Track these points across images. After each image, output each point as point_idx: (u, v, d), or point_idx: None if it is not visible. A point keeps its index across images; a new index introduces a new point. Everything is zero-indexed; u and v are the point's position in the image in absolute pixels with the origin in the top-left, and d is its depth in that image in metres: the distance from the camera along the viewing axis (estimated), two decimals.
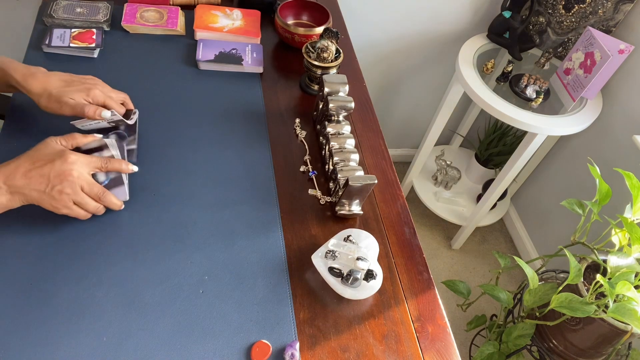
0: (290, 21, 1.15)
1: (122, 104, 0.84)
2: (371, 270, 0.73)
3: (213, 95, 0.98)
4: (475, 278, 1.95)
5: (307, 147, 0.94)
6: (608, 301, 0.99)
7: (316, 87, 1.04)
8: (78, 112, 0.76)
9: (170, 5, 1.13)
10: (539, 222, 1.95)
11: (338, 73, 0.99)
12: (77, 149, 0.74)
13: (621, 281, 0.96)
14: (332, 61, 0.98)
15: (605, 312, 1.03)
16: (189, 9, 1.15)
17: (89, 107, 0.76)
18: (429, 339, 0.72)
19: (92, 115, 0.76)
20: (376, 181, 0.78)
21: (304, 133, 0.96)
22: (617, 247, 1.12)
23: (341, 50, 1.00)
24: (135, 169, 0.76)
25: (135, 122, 0.84)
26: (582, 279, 1.10)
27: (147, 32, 1.07)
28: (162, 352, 0.64)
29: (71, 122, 0.79)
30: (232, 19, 1.12)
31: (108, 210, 0.75)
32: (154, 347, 0.64)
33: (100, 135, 0.77)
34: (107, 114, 0.77)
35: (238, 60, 1.04)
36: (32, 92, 0.76)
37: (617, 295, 1.04)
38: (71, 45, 0.98)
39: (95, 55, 0.99)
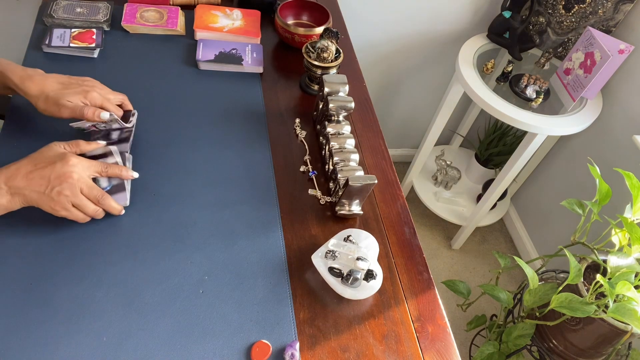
0: (290, 21, 1.15)
1: (120, 105, 0.84)
2: (371, 270, 0.73)
3: (213, 95, 0.98)
4: (475, 278, 1.95)
5: (307, 147, 0.94)
6: (608, 301, 0.99)
7: (316, 87, 1.04)
8: (77, 114, 0.76)
9: (170, 5, 1.13)
10: (539, 222, 1.95)
11: (338, 73, 0.99)
12: (82, 156, 0.74)
13: (621, 281, 0.96)
14: (332, 61, 0.98)
15: (605, 312, 1.03)
16: (189, 9, 1.15)
17: (88, 108, 0.76)
18: (429, 339, 0.72)
19: (92, 117, 0.76)
20: (376, 181, 0.78)
21: (304, 133, 0.96)
22: (617, 247, 1.12)
23: (341, 50, 1.00)
24: (135, 175, 0.76)
25: (133, 122, 0.84)
26: (582, 279, 1.10)
27: (147, 32, 1.07)
28: (162, 352, 0.64)
29: (70, 124, 0.79)
30: (232, 19, 1.12)
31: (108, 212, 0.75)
32: (154, 347, 0.64)
33: (104, 143, 0.77)
34: (105, 115, 0.77)
35: (238, 60, 1.04)
36: (29, 94, 0.76)
37: (617, 295, 1.04)
38: (71, 45, 0.98)
39: (95, 55, 0.99)
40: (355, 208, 0.84)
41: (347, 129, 0.90)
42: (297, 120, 0.99)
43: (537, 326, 1.29)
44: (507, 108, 1.41)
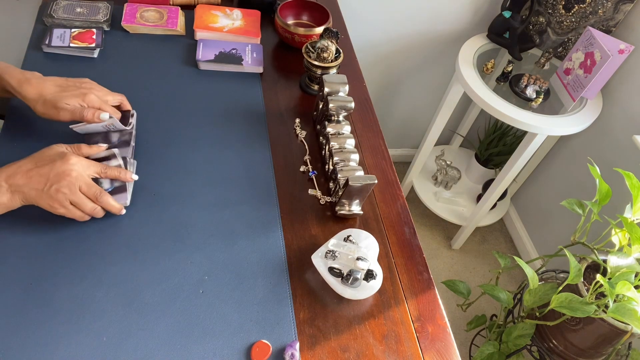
0: (290, 21, 1.15)
1: (118, 105, 0.84)
2: (371, 270, 0.73)
3: (213, 95, 0.98)
4: (475, 278, 1.95)
5: (307, 147, 0.94)
6: (608, 301, 0.99)
7: (316, 87, 1.04)
8: (77, 116, 0.76)
9: (170, 5, 1.13)
10: (539, 222, 1.95)
11: (338, 73, 0.99)
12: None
13: (621, 281, 0.96)
14: (332, 61, 0.98)
15: (605, 312, 1.03)
16: (189, 9, 1.15)
17: (87, 110, 0.76)
18: (429, 339, 0.72)
19: (91, 119, 0.76)
20: (376, 181, 0.78)
21: (304, 133, 0.96)
22: (617, 247, 1.12)
23: (341, 50, 1.00)
24: (135, 177, 0.77)
25: (132, 124, 0.84)
26: (582, 279, 1.10)
27: (147, 32, 1.07)
28: (162, 352, 0.64)
29: (70, 126, 0.79)
30: (232, 19, 1.12)
31: (108, 211, 0.75)
32: (154, 347, 0.64)
33: (105, 146, 0.77)
34: (105, 116, 0.77)
35: (238, 60, 1.04)
36: (27, 98, 0.76)
37: (617, 295, 1.04)
38: (71, 45, 0.98)
39: (95, 55, 0.99)
40: (355, 208, 0.84)
41: (347, 129, 0.90)
42: (297, 120, 0.99)
43: (537, 326, 1.29)
44: (507, 108, 1.41)
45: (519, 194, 2.08)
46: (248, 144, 0.91)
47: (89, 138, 0.82)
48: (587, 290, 1.13)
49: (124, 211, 0.75)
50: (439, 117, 1.72)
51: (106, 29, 1.05)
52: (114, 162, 0.76)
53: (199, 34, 1.08)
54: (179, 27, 1.08)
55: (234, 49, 1.06)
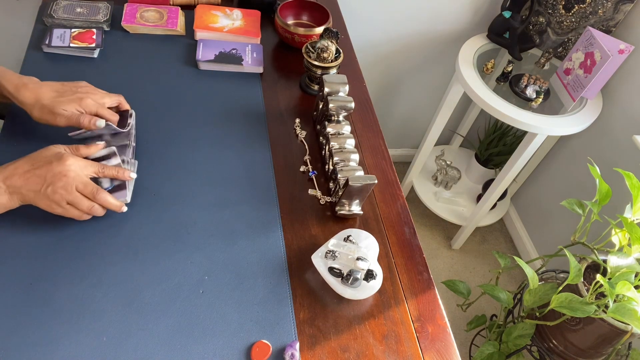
0: (290, 21, 1.15)
1: (117, 106, 0.84)
2: (371, 270, 0.73)
3: (213, 95, 0.98)
4: (475, 278, 1.95)
5: (307, 147, 0.94)
6: (608, 301, 0.99)
7: (316, 87, 1.04)
8: (73, 122, 0.76)
9: (170, 5, 1.13)
10: (539, 222, 1.95)
11: (338, 73, 0.99)
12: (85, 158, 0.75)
13: (621, 281, 0.96)
14: (332, 61, 0.98)
15: (605, 312, 1.03)
16: (189, 9, 1.15)
17: (84, 117, 0.76)
18: (429, 339, 0.72)
19: (88, 126, 0.76)
20: (376, 181, 0.78)
21: (304, 133, 0.96)
22: (617, 247, 1.12)
23: (341, 50, 1.00)
24: (133, 176, 0.76)
25: (131, 124, 0.83)
26: (582, 279, 1.10)
27: (147, 32, 1.07)
28: (162, 352, 0.64)
29: (69, 134, 0.79)
30: (232, 19, 1.12)
31: (108, 210, 0.75)
32: (154, 347, 0.64)
33: (103, 143, 0.77)
34: (101, 123, 0.77)
35: (238, 60, 1.04)
36: (24, 103, 0.76)
37: (617, 295, 1.04)
38: (71, 45, 0.98)
39: (95, 55, 0.99)
40: (355, 208, 0.84)
41: (347, 129, 0.90)
42: (297, 120, 0.99)
43: (537, 326, 1.29)
44: (507, 108, 1.41)
45: (519, 194, 2.08)
46: (248, 144, 0.91)
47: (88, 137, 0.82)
48: (587, 290, 1.13)
49: (125, 208, 0.75)
50: (439, 117, 1.72)
51: (106, 29, 1.05)
52: (113, 161, 0.76)
53: (199, 34, 1.08)
54: (179, 27, 1.08)
55: (234, 49, 1.06)
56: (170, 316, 0.67)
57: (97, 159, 0.75)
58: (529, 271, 1.12)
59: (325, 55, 0.96)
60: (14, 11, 1.43)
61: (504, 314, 1.39)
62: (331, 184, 0.87)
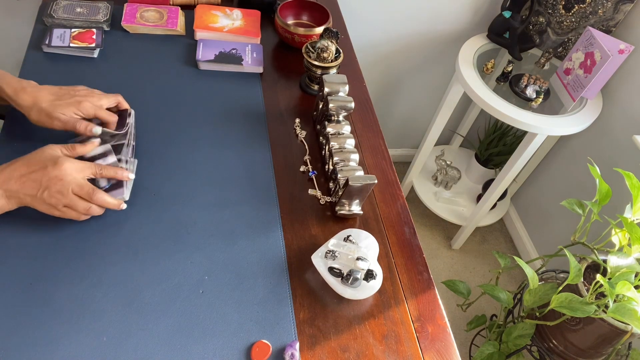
0: (290, 21, 1.15)
1: (115, 106, 0.84)
2: (371, 270, 0.73)
3: (213, 95, 0.98)
4: (475, 278, 1.95)
5: (307, 147, 0.94)
6: (608, 301, 0.99)
7: (316, 87, 1.04)
8: (69, 127, 0.77)
9: (170, 5, 1.13)
10: (539, 222, 1.95)
11: (338, 73, 0.99)
12: (82, 157, 0.75)
13: (621, 281, 0.96)
14: (332, 61, 0.98)
15: (605, 312, 1.03)
16: (189, 9, 1.15)
17: (80, 123, 0.77)
18: (429, 339, 0.72)
19: (84, 132, 0.77)
20: (376, 181, 0.78)
21: (304, 133, 0.96)
22: (617, 247, 1.12)
23: (341, 50, 1.00)
24: (132, 176, 0.76)
25: (130, 124, 0.83)
26: (582, 279, 1.10)
27: (147, 32, 1.07)
28: (162, 352, 0.64)
29: (68, 142, 0.79)
30: (232, 19, 1.12)
31: (108, 210, 0.75)
32: (154, 347, 0.64)
33: (99, 140, 0.77)
34: (97, 130, 0.77)
35: (238, 60, 1.04)
36: (22, 106, 0.77)
37: (617, 295, 1.04)
38: (71, 45, 0.98)
39: (95, 55, 0.99)
40: (355, 208, 0.84)
41: (347, 129, 0.90)
42: (297, 120, 0.99)
43: (537, 326, 1.29)
44: (507, 108, 1.41)
45: (519, 194, 2.08)
46: (248, 144, 0.91)
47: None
48: (587, 290, 1.13)
49: (124, 206, 0.75)
50: (439, 117, 1.72)
51: (106, 29, 1.05)
52: (109, 159, 0.76)
53: (199, 34, 1.08)
54: (179, 27, 1.08)
55: (234, 49, 1.06)
56: (170, 316, 0.67)
57: (93, 157, 0.75)
58: (529, 271, 1.12)
59: (325, 55, 0.96)
60: (14, 11, 1.43)
61: (504, 314, 1.39)
62: (331, 184, 0.87)
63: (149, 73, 0.99)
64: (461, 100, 1.79)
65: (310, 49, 0.99)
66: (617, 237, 1.12)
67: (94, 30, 1.01)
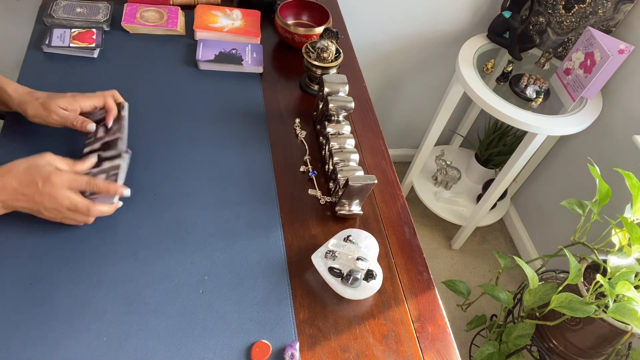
0: (290, 21, 1.15)
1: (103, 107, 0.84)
2: (371, 270, 0.73)
3: (213, 95, 0.98)
4: (475, 278, 1.95)
5: (307, 147, 0.94)
6: (608, 301, 0.99)
7: (316, 87, 1.04)
8: (67, 122, 0.78)
9: (170, 5, 1.13)
10: (539, 222, 1.95)
11: (338, 73, 0.99)
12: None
13: (621, 281, 0.96)
14: (332, 61, 0.98)
15: (605, 312, 1.03)
16: (189, 9, 1.15)
17: (77, 119, 0.78)
18: (429, 339, 0.72)
19: (80, 128, 0.78)
20: (376, 181, 0.78)
21: (304, 133, 0.96)
22: (617, 247, 1.12)
23: (341, 50, 1.00)
24: (127, 193, 0.73)
25: (124, 116, 0.82)
26: (582, 279, 1.10)
27: (147, 32, 1.07)
28: (162, 352, 0.64)
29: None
30: (232, 19, 1.12)
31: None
32: (154, 347, 0.64)
33: (95, 159, 0.76)
34: (92, 127, 0.79)
35: (238, 60, 1.04)
36: (20, 101, 0.77)
37: (617, 295, 1.04)
38: (71, 45, 0.98)
39: (95, 55, 0.99)
40: (355, 208, 0.83)
41: (347, 129, 0.90)
42: (297, 120, 0.99)
43: (537, 326, 1.29)
44: (507, 108, 1.41)
45: (519, 194, 2.08)
46: (248, 144, 0.91)
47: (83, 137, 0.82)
48: (587, 290, 1.13)
49: (120, 203, 0.74)
50: (439, 117, 1.72)
51: (106, 29, 1.05)
52: (106, 164, 0.76)
53: (199, 34, 1.08)
54: (179, 27, 1.08)
55: (234, 49, 1.06)
56: (170, 316, 0.67)
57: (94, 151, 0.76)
58: (529, 271, 1.12)
59: (325, 55, 0.96)
60: (14, 11, 1.43)
61: (504, 314, 1.39)
62: (331, 184, 0.87)
63: (149, 73, 0.99)
64: (461, 100, 1.79)
65: (310, 49, 0.99)
66: (617, 237, 1.12)
67: (94, 30, 1.01)
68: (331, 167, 0.87)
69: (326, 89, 0.89)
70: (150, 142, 0.87)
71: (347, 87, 0.90)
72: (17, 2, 1.41)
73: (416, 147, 2.21)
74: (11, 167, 0.67)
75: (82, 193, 0.71)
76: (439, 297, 0.77)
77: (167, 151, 0.87)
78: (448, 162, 1.96)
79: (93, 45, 0.99)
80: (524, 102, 1.48)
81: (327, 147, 0.89)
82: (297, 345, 0.67)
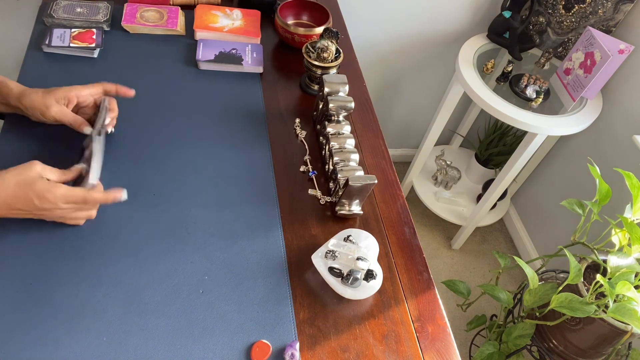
0: (290, 21, 1.15)
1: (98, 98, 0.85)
2: (371, 270, 0.73)
3: (213, 95, 0.98)
4: (475, 278, 1.95)
5: (307, 147, 0.94)
6: (608, 301, 0.99)
7: (316, 87, 1.04)
8: (65, 120, 0.78)
9: (170, 5, 1.13)
10: (539, 222, 1.95)
11: (338, 73, 0.99)
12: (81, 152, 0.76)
13: (621, 281, 0.96)
14: (332, 61, 0.98)
15: (605, 312, 1.03)
16: (189, 9, 1.15)
17: (76, 119, 0.79)
18: (429, 339, 0.72)
19: (77, 128, 0.79)
20: (376, 181, 0.78)
21: (304, 133, 0.96)
22: (617, 247, 1.12)
23: (341, 50, 1.00)
24: (124, 198, 0.71)
25: (105, 107, 0.82)
26: (582, 279, 1.10)
27: (147, 32, 1.07)
28: (162, 351, 0.64)
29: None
30: (232, 19, 1.12)
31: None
32: (154, 347, 0.64)
33: (83, 166, 0.74)
34: (88, 130, 0.79)
35: (238, 60, 1.04)
36: (19, 95, 0.78)
37: (617, 295, 1.04)
38: (71, 45, 0.98)
39: (95, 55, 0.99)
40: (355, 208, 0.83)
41: (347, 129, 0.90)
42: (297, 120, 0.99)
43: (537, 326, 1.29)
44: (507, 108, 1.41)
45: (519, 194, 2.08)
46: (248, 144, 0.91)
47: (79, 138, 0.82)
48: (587, 290, 1.13)
49: (125, 197, 0.72)
50: (439, 117, 1.72)
51: (106, 29, 1.05)
52: (86, 153, 0.76)
53: (199, 34, 1.08)
54: (179, 27, 1.08)
55: (234, 49, 1.06)
56: (170, 316, 0.67)
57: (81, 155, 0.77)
58: (529, 271, 1.12)
59: (325, 55, 0.96)
60: (14, 11, 1.43)
61: (504, 314, 1.39)
62: (331, 184, 0.87)
63: (149, 73, 0.99)
64: (461, 100, 1.79)
65: (310, 49, 0.99)
66: (617, 237, 1.12)
67: (94, 30, 1.01)
68: (331, 167, 0.87)
69: (326, 89, 0.89)
70: (150, 142, 0.87)
71: (347, 87, 0.90)
72: (17, 2, 1.41)
73: (416, 147, 2.21)
74: (3, 177, 0.64)
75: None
76: (439, 297, 0.77)
77: (167, 151, 0.87)
78: (448, 162, 1.96)
79: (93, 45, 0.99)
80: (524, 102, 1.48)
81: (327, 147, 0.89)
82: (297, 345, 0.67)
